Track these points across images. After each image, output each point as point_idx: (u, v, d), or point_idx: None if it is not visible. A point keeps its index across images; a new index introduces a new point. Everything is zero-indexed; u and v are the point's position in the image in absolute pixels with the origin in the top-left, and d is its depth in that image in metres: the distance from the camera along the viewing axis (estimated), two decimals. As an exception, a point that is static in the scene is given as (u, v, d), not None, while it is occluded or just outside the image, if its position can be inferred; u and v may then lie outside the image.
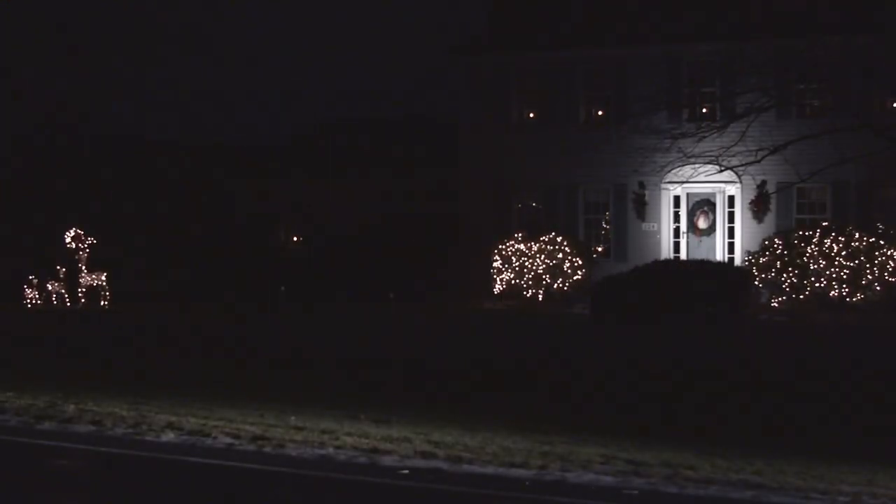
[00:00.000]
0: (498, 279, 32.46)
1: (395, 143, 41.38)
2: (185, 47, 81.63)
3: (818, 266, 29.11)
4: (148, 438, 12.95)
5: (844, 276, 28.89)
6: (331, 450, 12.20)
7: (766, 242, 30.14)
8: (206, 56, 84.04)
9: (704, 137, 27.96)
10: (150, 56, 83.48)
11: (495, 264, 32.48)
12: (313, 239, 39.30)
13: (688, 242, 32.22)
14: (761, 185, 30.80)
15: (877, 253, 28.84)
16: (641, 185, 32.20)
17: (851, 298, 28.84)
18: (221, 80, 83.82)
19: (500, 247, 32.50)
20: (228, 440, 12.69)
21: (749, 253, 30.50)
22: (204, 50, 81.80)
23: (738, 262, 30.88)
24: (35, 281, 32.03)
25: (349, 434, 12.89)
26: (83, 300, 32.27)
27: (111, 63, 74.67)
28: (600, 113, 33.76)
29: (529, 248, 32.15)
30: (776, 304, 29.34)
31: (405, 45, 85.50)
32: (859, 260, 28.86)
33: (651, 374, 18.21)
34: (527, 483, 10.79)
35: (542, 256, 31.96)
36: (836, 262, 28.93)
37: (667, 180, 31.73)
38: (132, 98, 73.38)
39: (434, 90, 75.97)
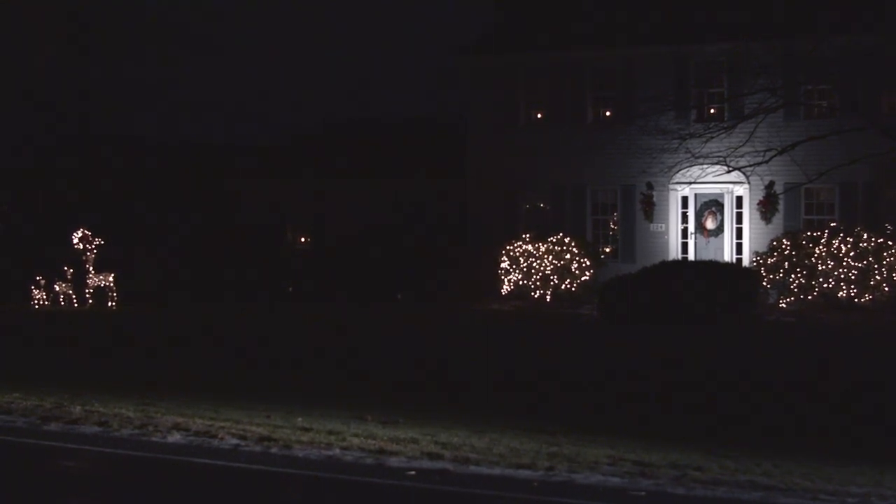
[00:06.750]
0: (505, 280, 32.44)
1: (402, 143, 41.34)
2: (189, 47, 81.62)
3: (826, 267, 29.04)
4: (154, 439, 12.93)
5: (853, 277, 28.82)
6: (337, 451, 12.18)
7: (775, 243, 30.08)
8: (211, 56, 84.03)
9: (712, 138, 27.93)
10: (155, 56, 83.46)
11: (503, 265, 32.46)
12: (320, 239, 39.30)
13: (696, 243, 32.18)
14: (769, 186, 30.78)
15: (885, 254, 28.76)
16: (649, 186, 32.18)
17: (860, 299, 28.77)
18: (227, 81, 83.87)
19: (507, 247, 32.49)
20: (235, 441, 12.68)
21: (757, 253, 30.46)
22: (209, 50, 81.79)
23: (746, 262, 30.84)
24: (42, 281, 32.07)
25: (356, 435, 12.87)
26: (90, 301, 32.31)
27: (115, 63, 74.65)
28: (608, 113, 33.74)
29: (537, 249, 32.12)
30: (784, 305, 29.29)
31: (412, 46, 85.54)
32: (867, 261, 28.79)
33: (658, 375, 18.17)
34: (535, 484, 10.77)
35: (550, 257, 31.94)
36: (845, 263, 28.86)
37: (675, 181, 31.70)
38: (137, 98, 73.39)
39: (441, 91, 75.91)
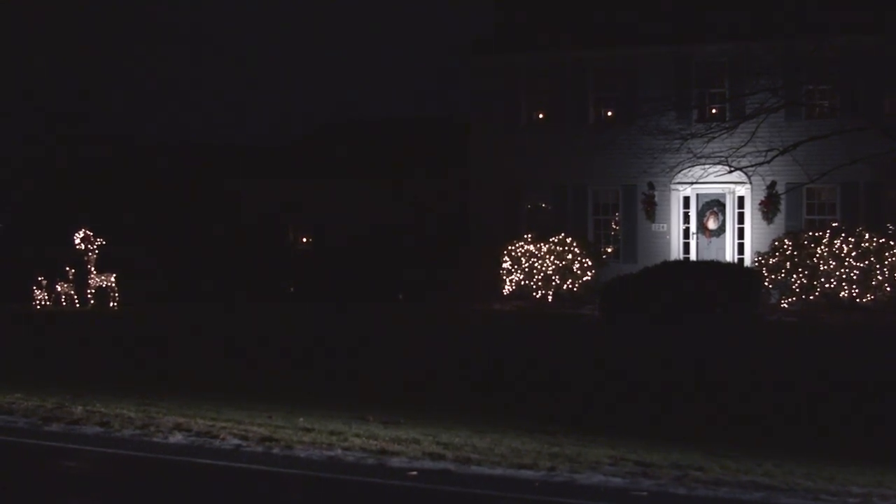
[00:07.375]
0: (507, 280, 32.42)
1: (404, 143, 41.33)
2: (190, 48, 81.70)
3: (828, 267, 29.02)
4: (156, 440, 12.94)
5: (854, 277, 28.80)
6: (339, 451, 12.18)
7: (776, 243, 30.05)
8: (213, 57, 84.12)
9: (714, 138, 27.91)
10: (158, 56, 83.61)
11: (504, 265, 32.45)
12: (322, 240, 39.30)
13: (697, 243, 32.17)
14: (771, 186, 30.78)
15: (887, 254, 28.74)
16: (651, 186, 32.18)
17: (861, 299, 28.74)
18: (228, 81, 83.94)
19: (509, 248, 32.47)
20: (236, 441, 12.68)
21: (759, 254, 30.44)
22: (211, 51, 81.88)
23: (747, 262, 30.82)
24: (44, 282, 32.06)
25: (357, 435, 12.87)
26: (92, 301, 32.30)
27: (116, 63, 74.80)
28: (610, 114, 33.73)
29: (539, 249, 32.10)
30: (786, 305, 29.27)
31: (414, 46, 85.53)
32: (869, 261, 28.76)
33: (659, 375, 18.16)
34: (536, 484, 10.77)
35: (552, 257, 31.92)
36: (846, 263, 28.84)
37: (676, 181, 31.71)
38: (138, 98, 73.51)
39: (443, 91, 75.95)
